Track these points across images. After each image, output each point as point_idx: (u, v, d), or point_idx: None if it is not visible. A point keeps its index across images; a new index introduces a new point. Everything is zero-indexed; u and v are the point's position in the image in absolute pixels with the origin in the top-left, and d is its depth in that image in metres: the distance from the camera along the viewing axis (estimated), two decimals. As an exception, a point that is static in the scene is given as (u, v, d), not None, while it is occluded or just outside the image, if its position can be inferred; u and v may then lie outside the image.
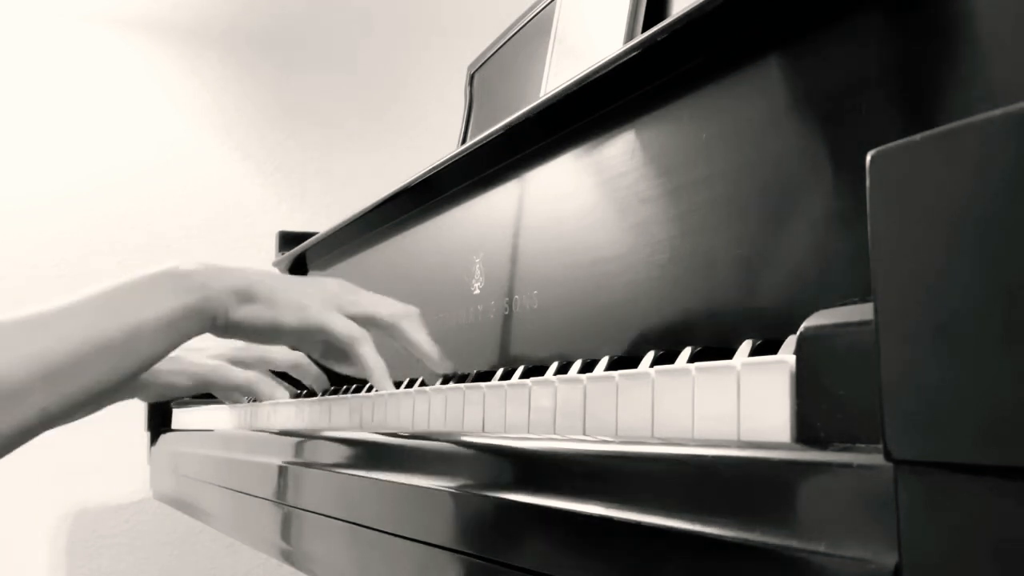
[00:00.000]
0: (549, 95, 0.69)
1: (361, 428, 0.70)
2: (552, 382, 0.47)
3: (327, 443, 0.68)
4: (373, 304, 0.73)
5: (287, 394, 0.98)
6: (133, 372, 0.65)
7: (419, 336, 0.72)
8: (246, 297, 0.69)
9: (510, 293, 0.76)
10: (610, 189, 0.65)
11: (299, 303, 0.70)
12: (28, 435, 0.61)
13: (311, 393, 0.97)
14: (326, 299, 0.72)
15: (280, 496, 0.74)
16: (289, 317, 0.70)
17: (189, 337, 0.68)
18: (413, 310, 0.74)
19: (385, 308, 0.73)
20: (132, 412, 1.38)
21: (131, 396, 1.00)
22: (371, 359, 0.71)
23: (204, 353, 0.98)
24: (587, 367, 0.56)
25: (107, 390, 0.64)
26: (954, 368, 0.21)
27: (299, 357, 0.93)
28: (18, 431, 0.59)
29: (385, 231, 1.03)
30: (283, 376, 1.03)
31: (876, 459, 0.24)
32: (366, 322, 0.72)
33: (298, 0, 1.94)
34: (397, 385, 0.83)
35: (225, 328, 0.69)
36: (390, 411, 0.66)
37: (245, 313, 0.69)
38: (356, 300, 0.73)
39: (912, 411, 0.22)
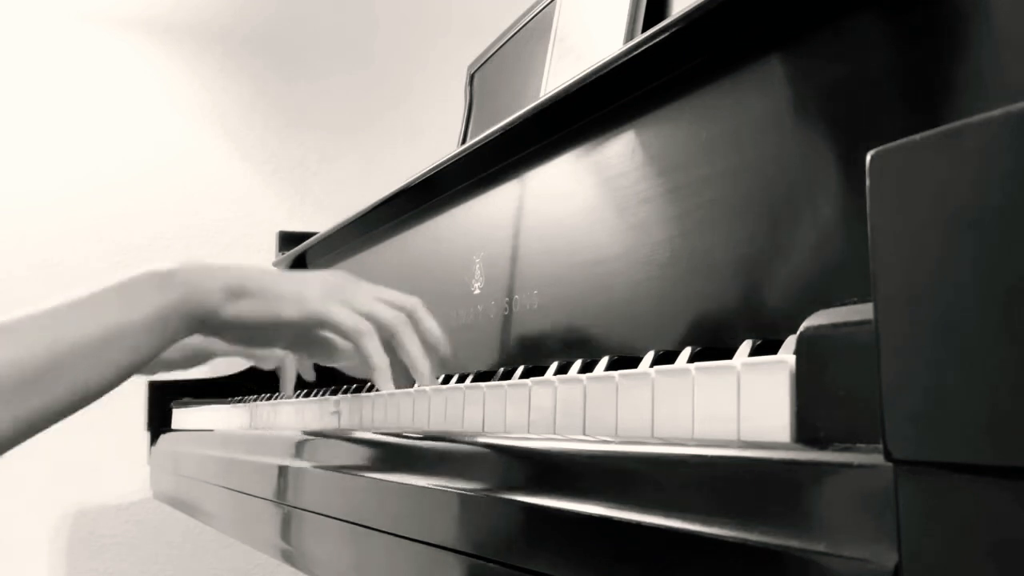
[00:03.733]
0: (549, 95, 0.69)
1: (361, 428, 0.70)
2: (552, 382, 0.47)
3: (327, 443, 0.68)
4: (373, 303, 0.70)
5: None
6: (116, 376, 0.63)
7: (414, 349, 0.70)
8: (237, 293, 0.66)
9: (510, 293, 0.76)
10: (610, 189, 0.65)
11: (298, 295, 0.68)
12: (6, 445, 0.59)
13: (310, 393, 0.97)
14: (326, 291, 0.69)
15: (280, 496, 0.74)
16: (289, 310, 0.67)
17: (178, 338, 0.65)
18: (415, 304, 0.71)
19: (384, 313, 0.70)
20: (132, 412, 1.38)
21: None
22: (375, 355, 0.68)
23: None
24: (587, 367, 0.56)
25: (91, 395, 0.61)
26: (954, 368, 0.21)
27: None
28: None
29: (385, 231, 1.03)
30: (271, 375, 1.01)
31: (876, 459, 0.24)
32: (367, 318, 0.70)
33: (298, 1, 1.94)
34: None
35: (217, 327, 0.67)
36: (390, 411, 0.66)
37: (239, 309, 0.66)
38: (357, 295, 0.70)
39: (912, 411, 0.22)
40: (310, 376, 0.91)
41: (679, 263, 0.57)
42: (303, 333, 0.70)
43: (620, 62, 0.62)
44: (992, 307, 0.20)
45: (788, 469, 0.28)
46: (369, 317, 0.69)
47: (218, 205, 1.85)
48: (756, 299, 0.52)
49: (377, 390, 0.71)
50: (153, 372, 1.10)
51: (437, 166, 0.87)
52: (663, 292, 0.58)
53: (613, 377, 0.42)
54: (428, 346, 0.70)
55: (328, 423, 0.73)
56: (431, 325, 0.71)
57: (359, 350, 0.68)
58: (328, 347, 0.75)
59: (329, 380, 0.98)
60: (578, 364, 0.57)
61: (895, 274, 0.23)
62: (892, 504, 0.23)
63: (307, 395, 0.97)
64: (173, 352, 0.89)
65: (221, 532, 1.11)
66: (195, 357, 0.97)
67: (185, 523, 1.64)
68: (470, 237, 0.84)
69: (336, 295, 0.69)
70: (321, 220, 1.33)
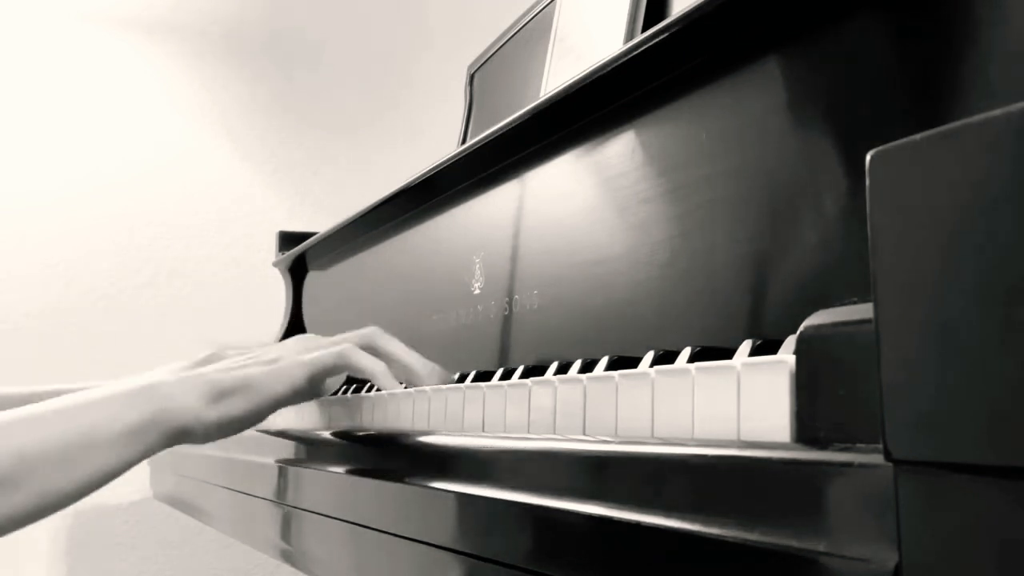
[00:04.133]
0: (549, 95, 0.69)
1: (361, 428, 0.70)
2: (552, 382, 0.47)
3: (327, 443, 0.68)
4: (339, 337, 0.73)
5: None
6: (87, 486, 0.63)
7: (395, 348, 0.72)
8: (218, 396, 0.67)
9: (510, 293, 0.76)
10: (610, 189, 0.65)
11: (272, 371, 0.69)
12: None
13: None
14: (295, 351, 0.71)
15: (280, 496, 0.74)
16: (276, 387, 0.69)
17: (155, 450, 0.66)
18: (373, 330, 0.74)
19: (352, 337, 0.72)
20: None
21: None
22: (368, 363, 0.70)
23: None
24: (587, 367, 0.56)
25: (60, 503, 0.62)
26: (954, 368, 0.21)
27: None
28: None
29: (385, 231, 1.03)
30: None
31: (876, 459, 0.24)
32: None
33: (299, 1, 1.94)
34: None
35: (208, 432, 0.68)
36: (390, 411, 0.67)
37: (225, 409, 0.68)
38: (322, 341, 0.73)
39: (912, 411, 0.22)
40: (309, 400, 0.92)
41: (679, 263, 0.57)
42: (303, 394, 0.72)
43: (620, 62, 0.62)
44: (992, 307, 0.20)
45: (788, 469, 0.28)
46: (340, 343, 0.71)
47: (218, 205, 1.85)
48: (756, 299, 0.52)
49: (378, 389, 0.71)
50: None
51: (437, 166, 0.87)
52: (663, 292, 0.58)
53: (613, 377, 0.42)
54: (401, 366, 0.72)
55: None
56: (394, 346, 0.73)
57: (352, 370, 0.70)
58: (315, 394, 0.79)
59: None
60: (578, 364, 0.57)
61: (895, 274, 0.23)
62: (892, 504, 0.23)
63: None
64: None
65: (221, 532, 1.11)
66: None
67: (185, 523, 1.64)
68: (470, 237, 0.84)
69: (303, 348, 0.71)
70: (321, 220, 1.33)
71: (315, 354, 0.70)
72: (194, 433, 0.67)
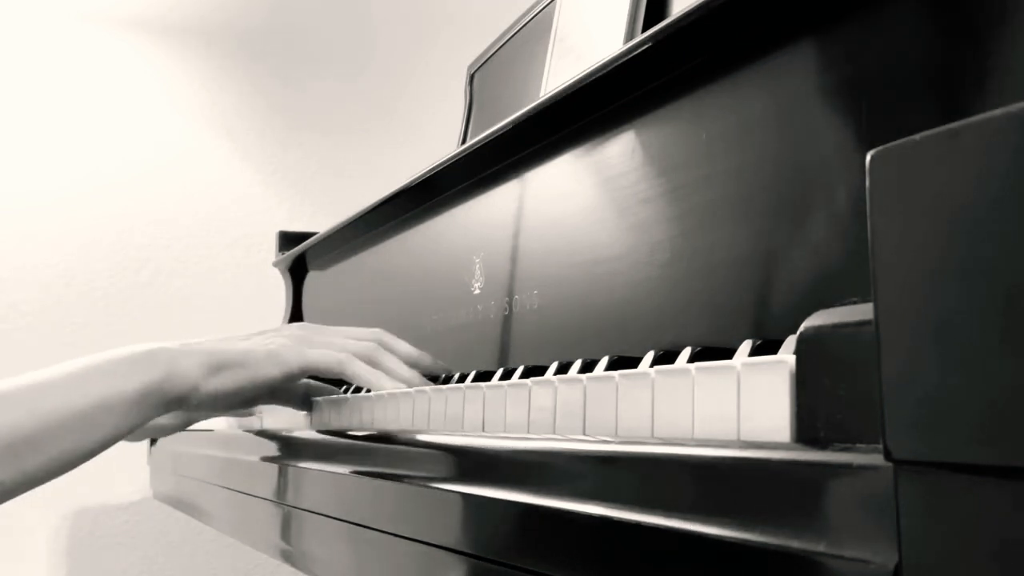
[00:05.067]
0: (549, 95, 0.69)
1: (362, 428, 0.70)
2: (552, 382, 0.47)
3: (327, 443, 0.68)
4: (343, 341, 0.74)
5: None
6: (96, 449, 0.64)
7: (393, 365, 0.73)
8: (215, 368, 0.69)
9: (510, 293, 0.76)
10: (610, 189, 0.65)
11: (270, 354, 0.71)
12: None
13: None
14: (296, 342, 0.72)
15: (280, 496, 0.74)
16: (269, 370, 0.70)
17: (155, 415, 0.67)
18: (379, 332, 0.75)
19: (355, 345, 0.73)
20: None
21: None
22: (364, 374, 0.71)
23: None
24: (587, 367, 0.56)
25: (66, 467, 0.63)
26: (954, 368, 0.21)
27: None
28: None
29: (385, 231, 1.03)
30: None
31: (876, 459, 0.24)
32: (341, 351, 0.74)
33: (299, 1, 1.94)
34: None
35: (201, 403, 0.69)
36: (390, 411, 0.67)
37: (220, 382, 0.69)
38: (325, 337, 0.74)
39: (912, 411, 0.22)
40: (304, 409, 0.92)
41: (679, 263, 0.57)
42: (282, 387, 0.73)
43: (620, 62, 0.62)
44: (992, 307, 0.20)
45: (788, 469, 0.28)
46: (342, 351, 0.73)
47: (218, 205, 1.85)
48: (756, 299, 0.52)
49: (377, 393, 0.71)
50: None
51: (437, 166, 0.87)
52: (663, 292, 0.58)
53: (613, 377, 0.42)
54: (409, 364, 0.74)
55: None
56: (401, 346, 0.75)
57: (348, 378, 0.72)
58: (300, 397, 0.81)
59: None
60: (578, 364, 0.57)
61: (895, 274, 0.23)
62: (892, 504, 0.23)
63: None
64: (167, 418, 0.91)
65: (221, 532, 1.11)
66: (189, 420, 0.99)
67: (185, 523, 1.64)
68: (470, 237, 0.84)
69: (303, 341, 0.72)
70: (321, 220, 1.33)
71: (317, 351, 0.71)
72: (188, 402, 0.68)
